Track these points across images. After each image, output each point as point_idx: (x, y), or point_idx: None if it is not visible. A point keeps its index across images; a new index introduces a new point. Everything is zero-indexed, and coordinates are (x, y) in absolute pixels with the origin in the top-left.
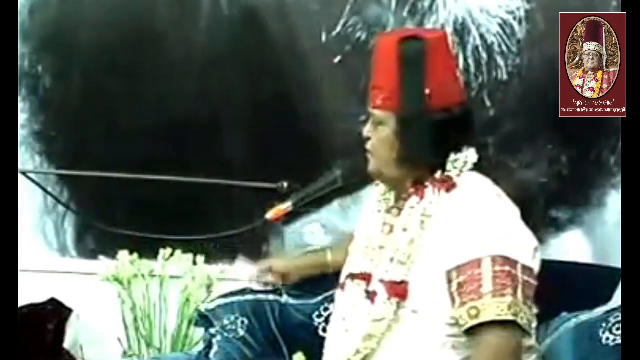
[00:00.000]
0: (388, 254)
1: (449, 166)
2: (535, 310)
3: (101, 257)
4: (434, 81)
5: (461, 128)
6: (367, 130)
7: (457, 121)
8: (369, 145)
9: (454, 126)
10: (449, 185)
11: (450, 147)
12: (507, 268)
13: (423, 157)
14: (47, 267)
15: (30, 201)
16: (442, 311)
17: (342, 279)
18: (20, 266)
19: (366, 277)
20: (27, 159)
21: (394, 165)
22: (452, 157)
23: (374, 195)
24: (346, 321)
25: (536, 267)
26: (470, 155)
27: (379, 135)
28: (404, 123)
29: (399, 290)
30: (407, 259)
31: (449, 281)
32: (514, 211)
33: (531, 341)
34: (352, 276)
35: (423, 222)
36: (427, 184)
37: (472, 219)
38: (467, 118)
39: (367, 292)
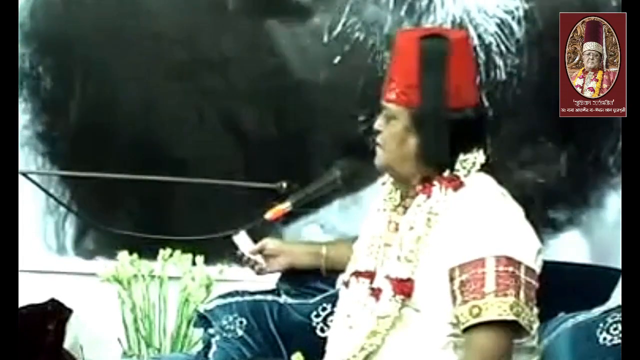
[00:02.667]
0: (394, 251)
1: (457, 166)
2: (536, 311)
3: (98, 258)
4: (453, 81)
5: (474, 130)
6: (378, 123)
7: (471, 122)
8: (379, 139)
9: (467, 128)
10: (456, 184)
11: (462, 147)
12: (510, 268)
13: (437, 155)
14: (46, 267)
15: (32, 202)
16: (445, 310)
17: (347, 276)
18: (20, 266)
19: (370, 275)
20: (30, 159)
21: (403, 160)
22: (462, 157)
23: (380, 193)
24: (350, 318)
25: (538, 268)
26: (479, 156)
27: (390, 129)
28: (419, 120)
29: (404, 288)
30: (414, 257)
31: (451, 279)
32: (519, 212)
33: (533, 342)
34: (357, 274)
35: (429, 220)
36: (434, 182)
37: (477, 218)
38: (481, 120)
39: (371, 289)
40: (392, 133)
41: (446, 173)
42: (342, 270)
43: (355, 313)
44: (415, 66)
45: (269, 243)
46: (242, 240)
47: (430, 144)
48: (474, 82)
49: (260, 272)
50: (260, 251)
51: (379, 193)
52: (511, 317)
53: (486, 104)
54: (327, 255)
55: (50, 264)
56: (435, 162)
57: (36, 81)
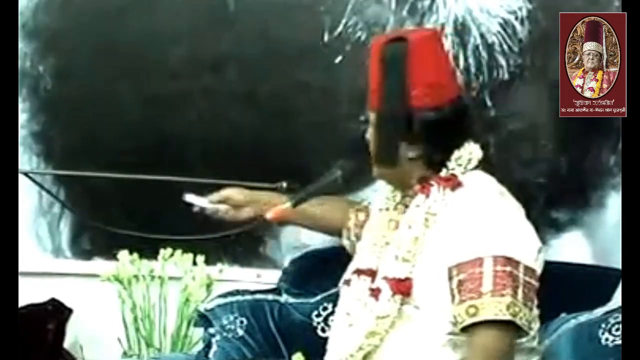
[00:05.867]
0: (392, 251)
1: (452, 164)
2: (536, 312)
3: (95, 259)
4: (420, 81)
5: (456, 125)
6: (369, 133)
7: (451, 119)
8: (370, 147)
9: (447, 124)
10: (454, 183)
11: (449, 144)
12: (508, 268)
13: (391, 156)
14: (43, 268)
15: (25, 202)
16: (444, 309)
17: (349, 274)
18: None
19: (372, 273)
20: (25, 159)
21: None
22: (456, 154)
23: (383, 192)
24: (350, 316)
25: (539, 268)
26: (474, 151)
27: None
28: (380, 122)
29: (402, 287)
30: (412, 257)
31: (450, 278)
32: (519, 211)
33: (533, 343)
34: (359, 272)
35: (427, 219)
36: (432, 182)
37: (476, 217)
38: (462, 115)
39: (371, 289)
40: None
41: (443, 172)
42: (313, 230)
43: (356, 311)
44: (378, 72)
45: (234, 194)
46: (193, 198)
47: (383, 146)
48: (448, 79)
49: (226, 215)
50: (224, 202)
51: (381, 192)
52: (507, 317)
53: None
54: (322, 215)
55: (47, 265)
56: (382, 161)
57: (36, 81)
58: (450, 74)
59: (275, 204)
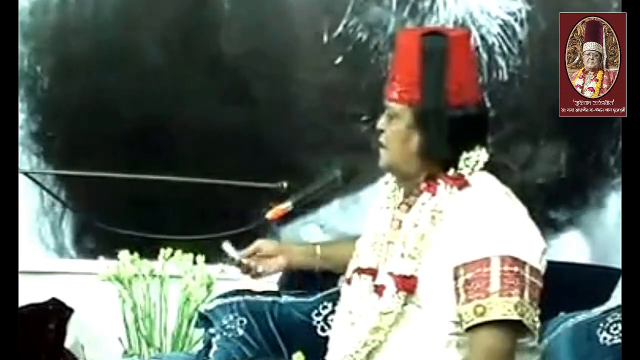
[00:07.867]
0: (398, 249)
1: (461, 164)
2: (538, 312)
3: (100, 258)
4: (454, 78)
5: (476, 127)
6: (380, 123)
7: (473, 120)
8: (381, 138)
9: (470, 124)
10: (461, 182)
11: (465, 145)
12: (515, 269)
13: (440, 151)
14: (46, 267)
15: (27, 202)
16: (448, 308)
17: (349, 273)
18: (20, 267)
19: (373, 272)
20: (24, 159)
21: (406, 159)
22: (465, 155)
23: (383, 192)
24: (352, 314)
25: (542, 268)
26: (482, 154)
27: (393, 128)
28: (422, 116)
29: (407, 285)
30: (418, 254)
31: (456, 277)
32: (524, 212)
33: (534, 342)
34: (360, 270)
35: (434, 217)
36: (439, 180)
37: (483, 217)
38: (483, 117)
39: (375, 285)
40: (395, 132)
41: (451, 172)
42: (336, 271)
43: (358, 309)
44: (417, 64)
45: (265, 244)
46: (229, 248)
47: (433, 141)
48: (475, 79)
49: (256, 276)
50: (255, 253)
51: (382, 191)
52: (515, 317)
53: (488, 104)
54: (321, 255)
55: (50, 265)
56: (438, 158)
57: (33, 80)
58: (476, 75)
59: (305, 254)
